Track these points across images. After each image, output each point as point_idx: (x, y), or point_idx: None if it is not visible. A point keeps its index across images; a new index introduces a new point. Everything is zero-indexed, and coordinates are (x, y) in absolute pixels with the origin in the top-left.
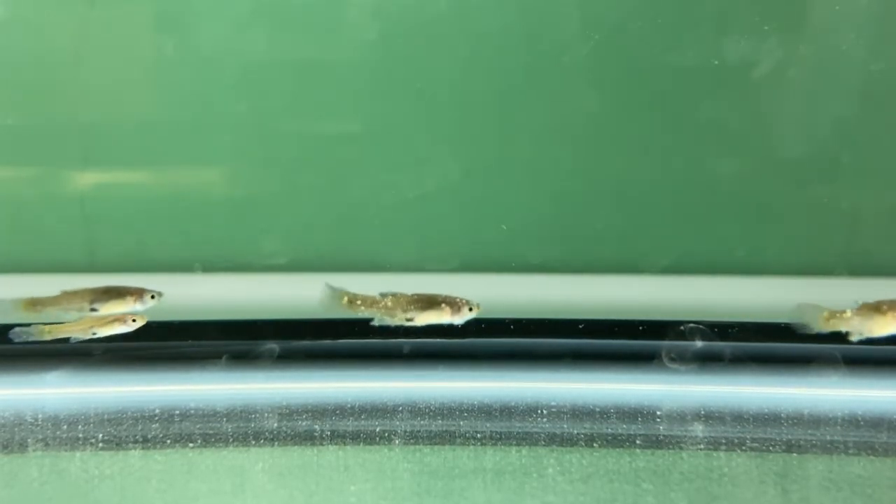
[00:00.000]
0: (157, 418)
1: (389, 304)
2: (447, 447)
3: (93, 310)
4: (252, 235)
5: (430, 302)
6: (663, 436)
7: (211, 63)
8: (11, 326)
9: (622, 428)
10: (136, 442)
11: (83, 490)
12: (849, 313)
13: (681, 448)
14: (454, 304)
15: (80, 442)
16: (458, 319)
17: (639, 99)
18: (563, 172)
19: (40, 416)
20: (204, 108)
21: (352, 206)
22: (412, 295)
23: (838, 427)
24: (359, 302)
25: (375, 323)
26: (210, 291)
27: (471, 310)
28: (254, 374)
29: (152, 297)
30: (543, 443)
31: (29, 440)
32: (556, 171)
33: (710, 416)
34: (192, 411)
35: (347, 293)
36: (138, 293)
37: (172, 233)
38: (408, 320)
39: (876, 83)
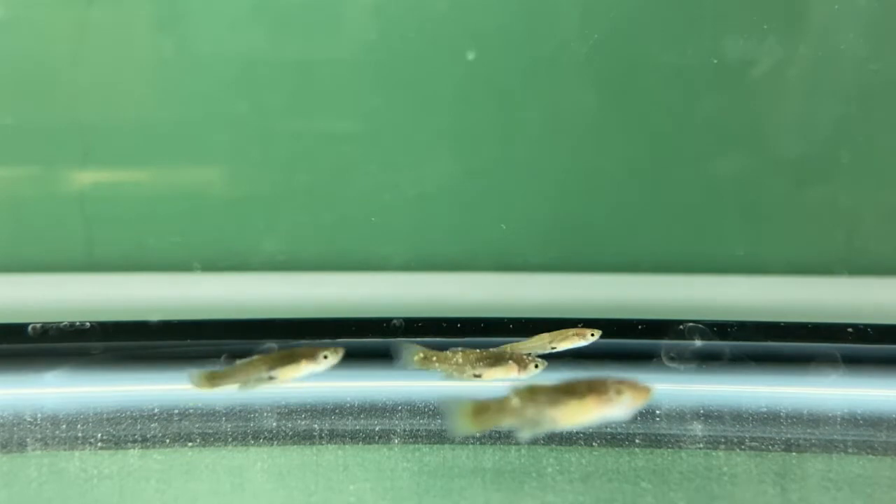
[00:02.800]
0: (155, 418)
1: (460, 360)
2: (446, 446)
3: (270, 378)
4: (251, 234)
5: (497, 358)
6: (662, 435)
7: (210, 62)
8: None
9: (621, 427)
10: (134, 441)
11: (82, 490)
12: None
13: (680, 447)
14: (521, 361)
15: (79, 441)
16: (525, 376)
17: (638, 98)
18: (562, 172)
19: (39, 415)
20: (203, 107)
21: (351, 206)
22: (480, 351)
23: (837, 426)
24: (434, 359)
25: (444, 378)
26: (209, 290)
27: (536, 367)
28: None
29: (325, 356)
30: (543, 442)
31: (28, 440)
32: (556, 170)
33: (709, 416)
34: (191, 411)
35: (423, 349)
36: (310, 354)
37: (172, 232)
38: (475, 376)
39: (875, 82)
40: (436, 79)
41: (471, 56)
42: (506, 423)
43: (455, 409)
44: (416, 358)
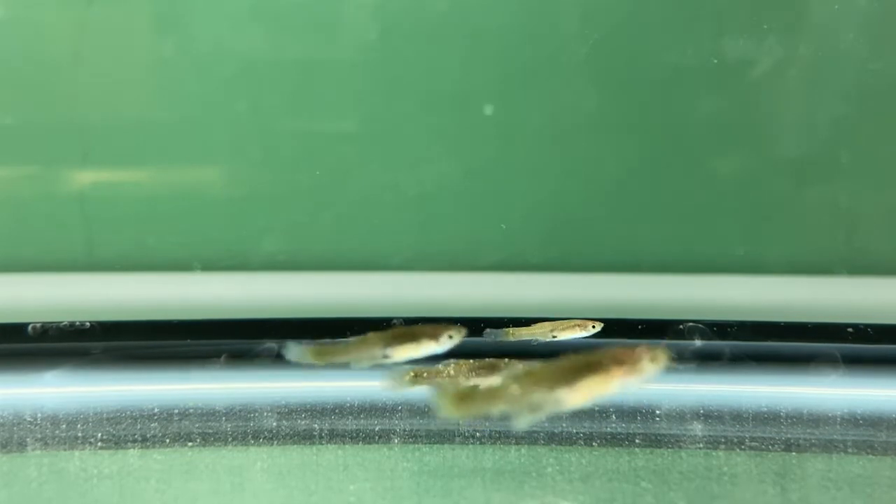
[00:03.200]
0: (155, 417)
1: (452, 371)
2: (446, 446)
3: (385, 357)
4: (251, 234)
5: (492, 367)
6: (662, 435)
7: (210, 62)
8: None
9: (621, 427)
10: (134, 441)
11: (82, 489)
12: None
13: (680, 447)
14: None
15: (79, 441)
16: None
17: (638, 98)
18: (562, 172)
19: (39, 415)
20: (203, 106)
21: (351, 206)
22: (473, 361)
23: (837, 426)
24: (425, 375)
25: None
26: (209, 290)
27: None
28: (253, 373)
29: (450, 336)
30: (543, 442)
31: (28, 439)
32: (556, 170)
33: (709, 415)
34: (191, 410)
35: (413, 368)
36: (433, 333)
37: (171, 231)
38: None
39: (876, 82)
40: (436, 78)
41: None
42: (499, 409)
43: (439, 393)
44: (406, 378)
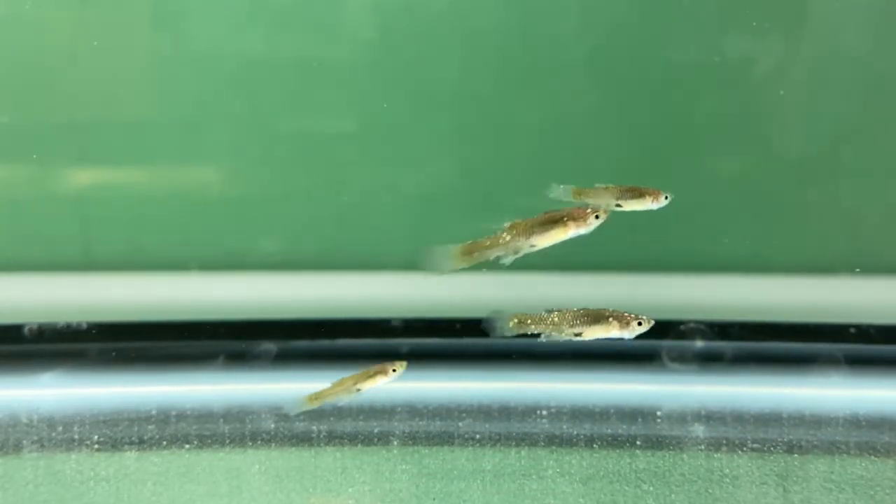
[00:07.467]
0: (153, 419)
1: (556, 319)
2: (446, 448)
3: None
4: (249, 234)
5: (597, 317)
6: (664, 436)
7: (208, 61)
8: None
9: (622, 429)
10: (131, 443)
11: (78, 492)
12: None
13: (681, 449)
14: (622, 319)
15: (76, 443)
16: (628, 334)
17: (639, 96)
18: (562, 171)
19: (35, 417)
20: (201, 106)
21: (350, 206)
22: (579, 310)
23: (840, 427)
24: (529, 321)
25: (543, 339)
26: (206, 291)
27: (640, 324)
28: (251, 375)
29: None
30: (543, 444)
31: (24, 441)
32: (556, 169)
33: (710, 417)
34: (189, 412)
35: (517, 314)
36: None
37: (169, 231)
38: (576, 335)
39: (879, 81)
40: (435, 78)
41: (469, 55)
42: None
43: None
44: (511, 324)
